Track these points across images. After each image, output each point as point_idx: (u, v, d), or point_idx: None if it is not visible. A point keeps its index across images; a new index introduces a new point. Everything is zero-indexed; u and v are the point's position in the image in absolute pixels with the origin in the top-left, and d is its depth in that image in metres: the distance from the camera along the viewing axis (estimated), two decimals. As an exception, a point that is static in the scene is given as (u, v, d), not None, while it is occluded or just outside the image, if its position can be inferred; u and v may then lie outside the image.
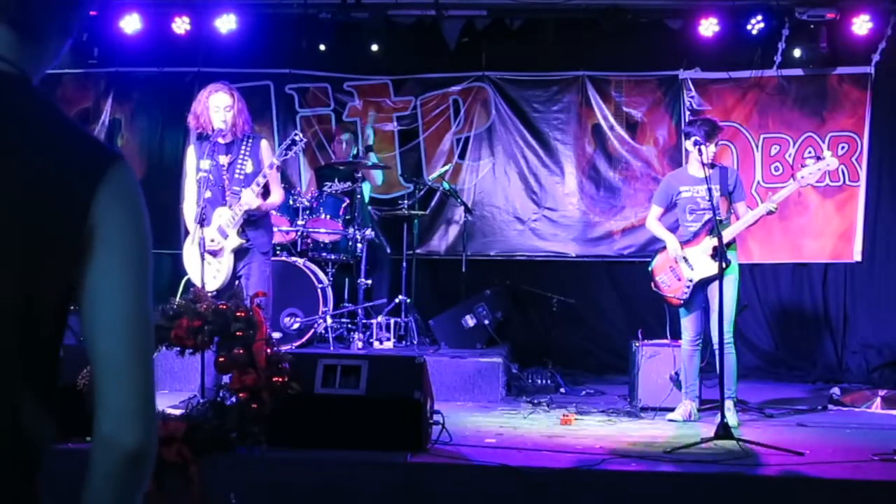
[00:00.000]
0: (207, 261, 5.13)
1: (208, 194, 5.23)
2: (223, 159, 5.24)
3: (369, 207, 7.59)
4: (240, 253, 5.26)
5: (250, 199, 5.15)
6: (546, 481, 4.01)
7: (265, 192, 5.36)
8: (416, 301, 7.33)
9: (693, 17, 7.60)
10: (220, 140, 5.24)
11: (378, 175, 7.73)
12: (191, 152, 5.37)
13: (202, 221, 5.08)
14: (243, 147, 5.28)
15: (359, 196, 7.06)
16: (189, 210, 5.37)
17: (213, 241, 5.19)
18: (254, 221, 5.29)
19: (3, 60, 1.23)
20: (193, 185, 5.31)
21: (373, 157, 7.60)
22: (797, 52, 7.62)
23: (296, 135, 5.17)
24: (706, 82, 7.95)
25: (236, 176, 5.22)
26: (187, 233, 5.44)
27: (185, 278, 5.29)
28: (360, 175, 7.08)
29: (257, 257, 5.30)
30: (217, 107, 5.20)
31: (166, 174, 8.28)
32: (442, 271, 8.16)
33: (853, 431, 5.25)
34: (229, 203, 5.18)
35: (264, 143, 5.33)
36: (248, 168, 5.24)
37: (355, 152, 7.60)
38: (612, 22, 7.64)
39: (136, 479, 1.21)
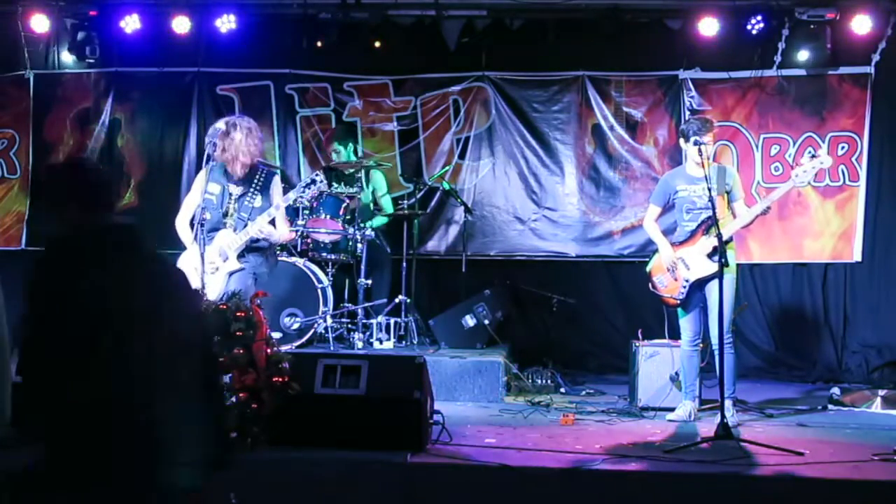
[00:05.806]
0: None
1: (208, 216, 5.31)
2: (234, 189, 5.37)
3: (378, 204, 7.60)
4: (235, 274, 5.39)
5: (262, 226, 5.30)
6: (546, 481, 4.01)
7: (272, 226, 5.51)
8: (416, 301, 7.33)
9: (693, 17, 7.61)
10: (233, 172, 5.36)
11: (382, 184, 7.69)
12: (203, 174, 5.46)
13: (202, 243, 5.15)
14: (255, 181, 5.40)
15: (360, 197, 7.06)
16: (182, 225, 5.48)
17: (212, 262, 5.29)
18: (259, 248, 5.42)
19: None
20: (195, 204, 5.37)
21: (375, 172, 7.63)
22: (797, 52, 7.63)
23: (316, 175, 5.34)
24: (706, 82, 7.95)
25: (244, 208, 5.37)
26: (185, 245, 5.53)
27: None
28: (360, 175, 7.07)
29: (251, 277, 5.40)
30: (220, 138, 5.31)
31: (166, 174, 8.30)
32: (442, 271, 8.15)
33: (853, 431, 5.25)
34: (234, 228, 5.31)
35: (276, 180, 5.46)
36: (257, 203, 5.39)
37: (353, 159, 7.54)
38: (612, 22, 7.65)
39: None
